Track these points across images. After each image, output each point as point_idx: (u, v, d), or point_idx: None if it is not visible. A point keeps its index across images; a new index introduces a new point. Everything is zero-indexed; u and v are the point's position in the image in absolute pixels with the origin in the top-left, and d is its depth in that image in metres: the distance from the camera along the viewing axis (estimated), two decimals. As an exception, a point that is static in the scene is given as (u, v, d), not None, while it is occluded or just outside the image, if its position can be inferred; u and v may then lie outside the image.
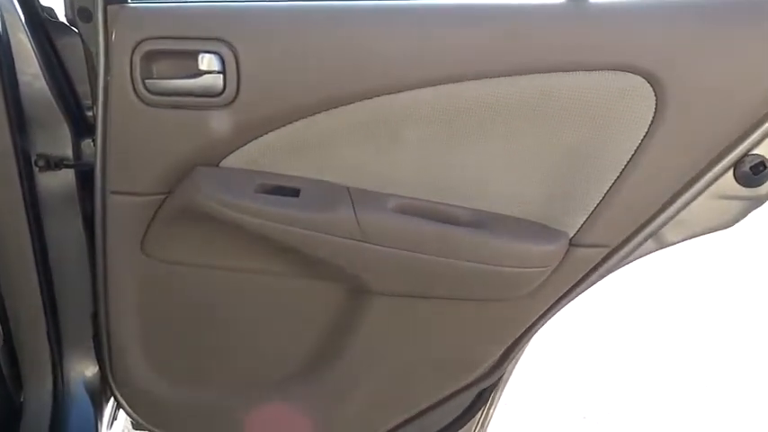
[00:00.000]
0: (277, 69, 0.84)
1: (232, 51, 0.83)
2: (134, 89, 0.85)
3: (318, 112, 0.86)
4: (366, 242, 0.86)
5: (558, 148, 0.85)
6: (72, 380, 1.14)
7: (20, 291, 1.04)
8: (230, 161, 0.90)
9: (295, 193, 0.88)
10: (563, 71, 0.81)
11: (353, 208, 0.86)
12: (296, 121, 0.86)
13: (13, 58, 0.93)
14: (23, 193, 0.97)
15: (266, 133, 0.88)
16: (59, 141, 1.00)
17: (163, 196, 0.91)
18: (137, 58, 0.84)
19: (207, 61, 0.83)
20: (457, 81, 0.82)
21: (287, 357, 1.05)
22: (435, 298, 0.95)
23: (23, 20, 0.93)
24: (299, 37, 0.84)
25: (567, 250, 0.89)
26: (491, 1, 0.90)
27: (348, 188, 0.90)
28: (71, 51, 1.01)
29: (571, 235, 0.89)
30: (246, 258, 0.94)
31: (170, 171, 0.89)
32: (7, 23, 0.91)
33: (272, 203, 0.86)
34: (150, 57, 0.84)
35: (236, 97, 0.85)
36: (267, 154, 0.89)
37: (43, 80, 0.95)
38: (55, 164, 1.00)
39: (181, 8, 0.86)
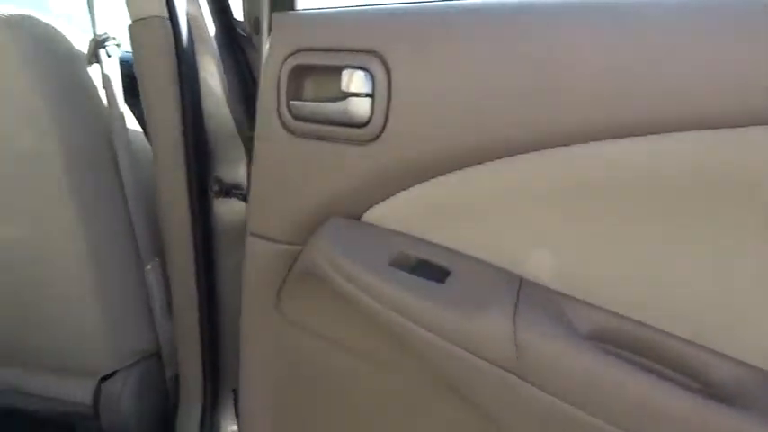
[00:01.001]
0: (441, 94, 0.58)
1: (384, 67, 0.60)
2: (278, 113, 0.69)
3: (493, 160, 0.57)
4: (523, 379, 0.52)
5: None
6: (221, 429, 1.03)
7: (182, 324, 0.97)
8: (374, 214, 0.67)
9: (442, 275, 0.59)
10: None
11: (514, 315, 0.53)
12: (461, 168, 0.59)
13: (197, 73, 0.86)
14: (193, 218, 0.89)
15: (420, 182, 0.62)
16: (235, 166, 0.91)
17: (299, 248, 0.72)
18: (284, 74, 0.67)
19: (352, 79, 0.62)
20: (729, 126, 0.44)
21: None
22: None
23: (213, 34, 0.86)
24: (480, 49, 0.56)
25: None
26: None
27: (521, 279, 0.58)
28: None
29: None
30: (373, 344, 0.69)
31: (307, 218, 0.70)
32: (195, 37, 0.84)
33: (408, 286, 0.59)
34: (300, 72, 0.67)
35: (383, 129, 0.61)
36: (417, 210, 0.63)
37: (224, 98, 0.87)
38: (226, 191, 0.91)
39: (339, 14, 0.66)
